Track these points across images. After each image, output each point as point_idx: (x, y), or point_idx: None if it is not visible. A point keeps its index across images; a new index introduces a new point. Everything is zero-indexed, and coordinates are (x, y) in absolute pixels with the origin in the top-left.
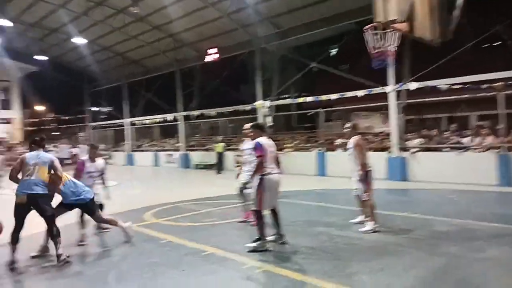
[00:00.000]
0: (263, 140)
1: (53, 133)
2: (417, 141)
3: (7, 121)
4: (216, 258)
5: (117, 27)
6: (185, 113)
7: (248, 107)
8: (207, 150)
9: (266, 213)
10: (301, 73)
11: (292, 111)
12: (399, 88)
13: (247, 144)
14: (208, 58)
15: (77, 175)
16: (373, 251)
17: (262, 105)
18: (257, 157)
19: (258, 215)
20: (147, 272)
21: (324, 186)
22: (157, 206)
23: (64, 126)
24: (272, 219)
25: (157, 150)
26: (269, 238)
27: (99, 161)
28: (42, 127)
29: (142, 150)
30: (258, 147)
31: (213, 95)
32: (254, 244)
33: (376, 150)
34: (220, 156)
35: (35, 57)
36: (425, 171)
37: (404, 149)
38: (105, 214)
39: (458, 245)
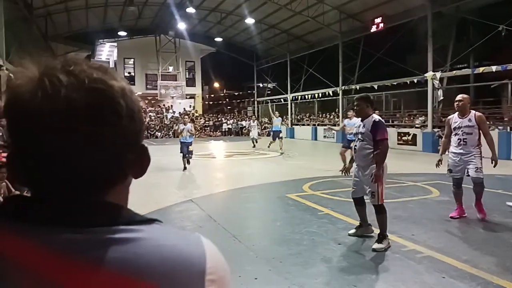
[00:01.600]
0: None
1: (227, 107)
2: None
3: (191, 96)
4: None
5: (283, 4)
6: (345, 87)
7: (415, 79)
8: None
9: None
10: (485, 38)
11: (470, 83)
12: None
13: (463, 120)
14: (373, 28)
15: None
16: None
17: (434, 77)
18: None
19: (384, 209)
20: (306, 240)
21: (508, 171)
22: (314, 179)
23: (236, 101)
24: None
25: (315, 125)
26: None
27: None
28: (219, 101)
29: (302, 124)
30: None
31: (375, 68)
32: (382, 245)
33: None
34: None
35: (215, 39)
36: None
37: None
38: None
39: None
